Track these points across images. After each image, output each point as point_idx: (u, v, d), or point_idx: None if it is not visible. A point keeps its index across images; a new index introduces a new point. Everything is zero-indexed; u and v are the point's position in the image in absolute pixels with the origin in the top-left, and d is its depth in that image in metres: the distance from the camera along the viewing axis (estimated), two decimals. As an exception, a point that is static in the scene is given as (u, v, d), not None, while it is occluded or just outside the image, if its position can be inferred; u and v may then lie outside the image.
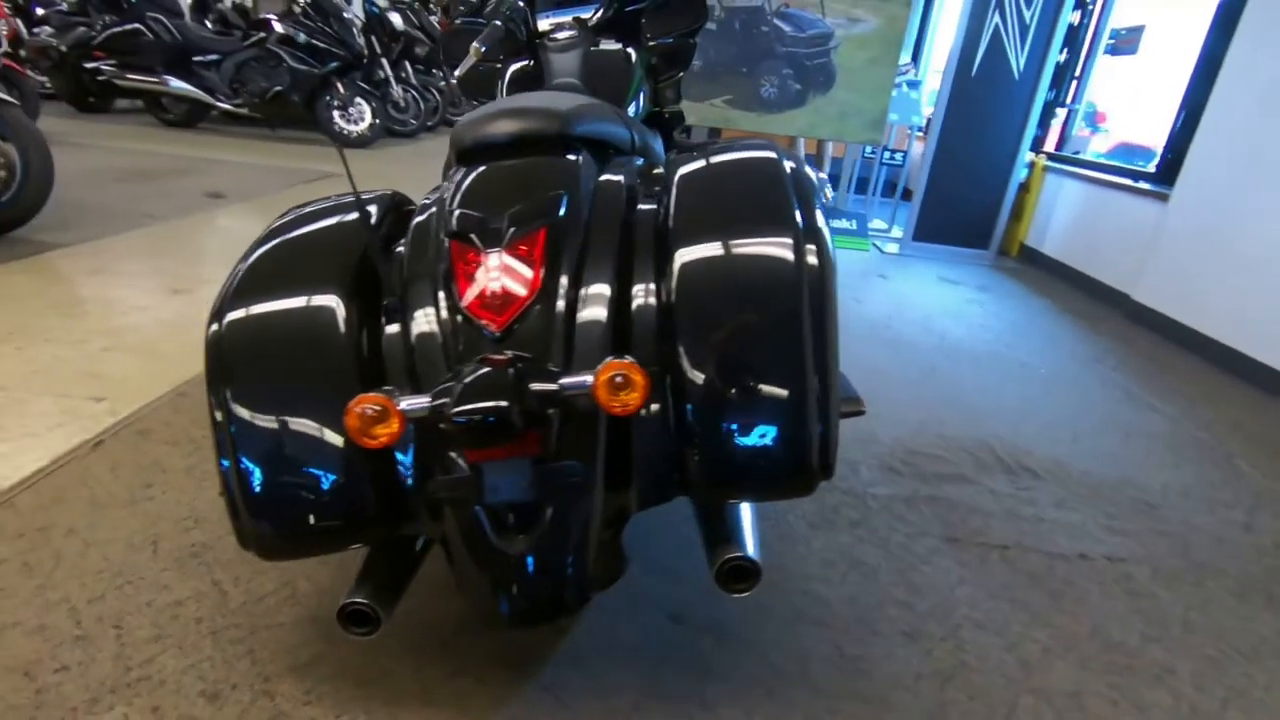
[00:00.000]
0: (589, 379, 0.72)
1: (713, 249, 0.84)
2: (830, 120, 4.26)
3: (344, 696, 1.00)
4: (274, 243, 0.94)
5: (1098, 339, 3.07)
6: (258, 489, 0.82)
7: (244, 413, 0.82)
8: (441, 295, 0.84)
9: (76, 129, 5.81)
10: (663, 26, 2.07)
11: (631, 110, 1.82)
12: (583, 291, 0.84)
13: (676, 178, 0.96)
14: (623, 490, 0.84)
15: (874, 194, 5.13)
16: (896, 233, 4.71)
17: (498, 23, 1.86)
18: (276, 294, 0.87)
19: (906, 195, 4.83)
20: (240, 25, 6.44)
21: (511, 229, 0.83)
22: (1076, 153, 4.44)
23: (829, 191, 1.29)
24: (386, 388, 0.74)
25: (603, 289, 0.85)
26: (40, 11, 7.15)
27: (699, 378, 0.81)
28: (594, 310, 0.83)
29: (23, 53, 6.35)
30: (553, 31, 1.95)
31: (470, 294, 0.81)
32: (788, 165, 0.96)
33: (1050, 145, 4.59)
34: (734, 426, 0.80)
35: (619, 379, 0.72)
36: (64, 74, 6.29)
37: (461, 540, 0.79)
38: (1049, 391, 2.41)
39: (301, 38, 5.82)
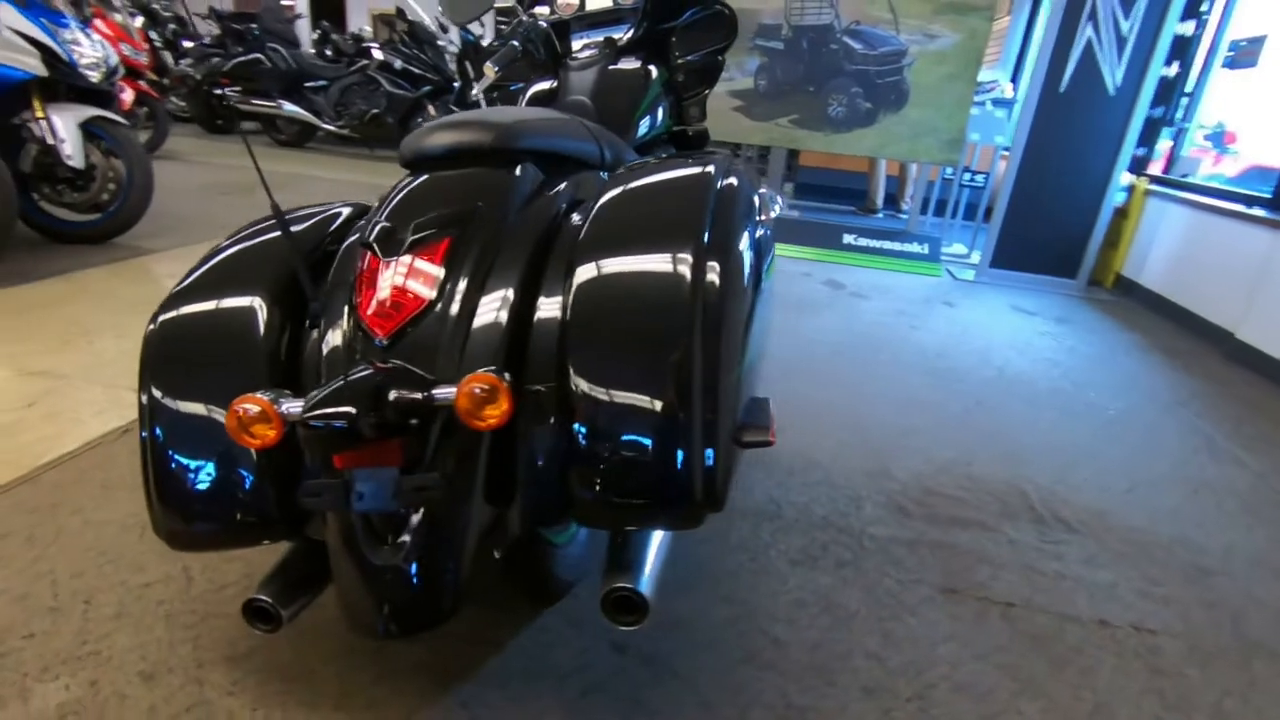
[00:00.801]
0: (454, 390, 0.71)
1: (610, 264, 0.81)
2: (902, 140, 4.09)
3: (266, 691, 1.03)
4: (225, 251, 0.99)
5: (1188, 379, 2.76)
6: (168, 480, 0.86)
7: (163, 407, 0.86)
8: (349, 303, 0.85)
9: (201, 148, 6.45)
10: (692, 44, 2.06)
11: (644, 126, 1.80)
12: (483, 302, 0.83)
13: (604, 192, 0.94)
14: (508, 508, 0.82)
15: (953, 217, 4.86)
16: (976, 258, 4.44)
17: (515, 43, 1.91)
18: (208, 298, 0.91)
19: (990, 218, 4.55)
20: (348, 53, 6.96)
21: (412, 238, 0.84)
22: (1185, 175, 4.03)
23: (775, 209, 1.22)
24: (276, 390, 0.75)
25: (503, 301, 0.83)
26: (188, 44, 8.02)
27: (582, 397, 0.77)
28: (491, 322, 0.82)
29: (166, 81, 7.14)
30: (580, 51, 1.98)
31: (369, 301, 0.82)
32: (721, 181, 0.92)
33: (1160, 167, 4.21)
34: (613, 449, 0.76)
35: (479, 391, 0.70)
36: (198, 99, 7.02)
37: (336, 547, 0.79)
38: (1113, 435, 2.18)
39: (398, 64, 6.22)
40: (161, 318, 0.91)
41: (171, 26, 7.83)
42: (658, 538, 0.91)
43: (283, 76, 6.45)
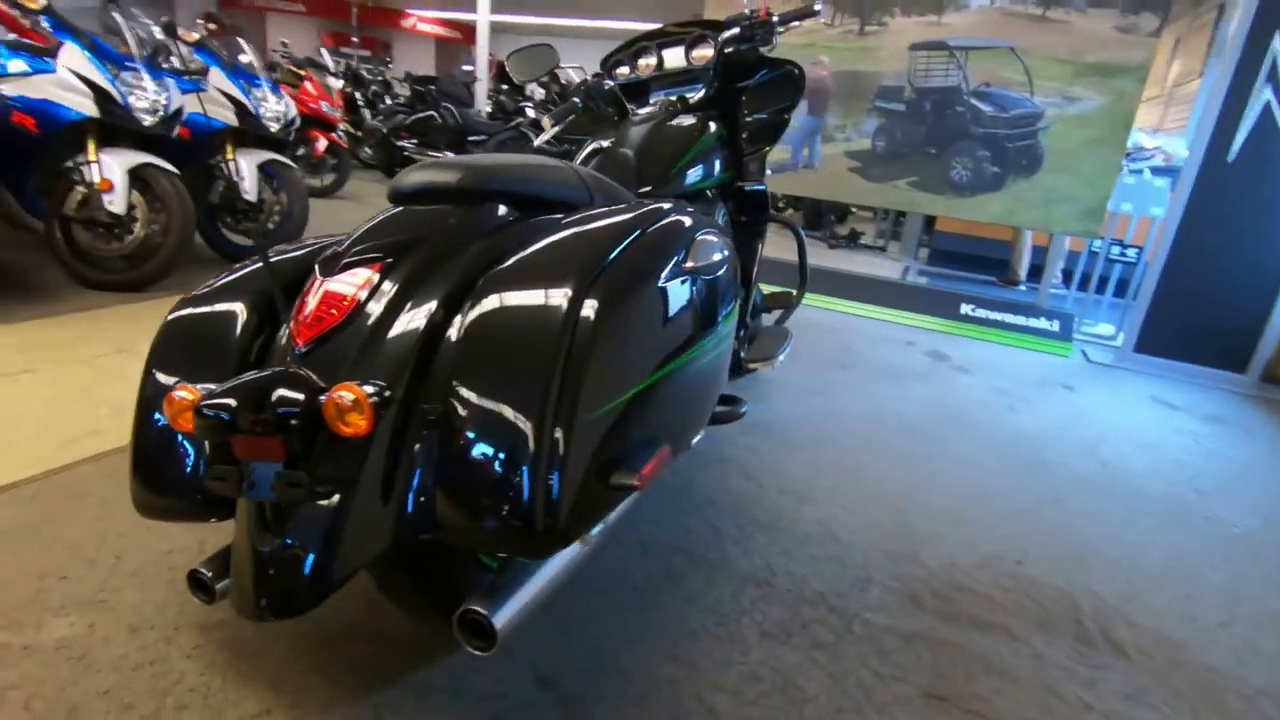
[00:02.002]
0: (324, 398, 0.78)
1: (499, 297, 0.86)
2: (1033, 207, 3.79)
3: (218, 660, 1.13)
4: (234, 272, 1.14)
5: (1365, 506, 2.25)
6: (143, 455, 1.00)
7: (149, 393, 1.01)
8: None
9: (377, 191, 7.36)
10: (760, 103, 2.11)
11: (691, 177, 1.84)
12: (399, 322, 0.90)
13: (547, 233, 0.99)
14: (384, 517, 0.86)
15: (1099, 292, 4.37)
16: (1122, 341, 3.95)
17: (575, 100, 2.05)
18: (207, 306, 1.06)
19: (1142, 298, 4.04)
20: (510, 111, 7.68)
21: (345, 260, 0.93)
22: (1401, 262, 3.36)
23: (716, 257, 1.15)
24: (208, 383, 0.87)
25: (417, 323, 0.90)
26: (388, 102, 9.27)
27: (455, 418, 0.81)
28: (400, 341, 0.89)
29: (360, 133, 8.28)
30: (650, 107, 2.09)
31: (300, 314, 0.93)
32: (644, 227, 0.94)
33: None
34: (469, 472, 0.79)
35: (344, 400, 0.76)
36: (383, 149, 8.04)
37: (237, 530, 0.88)
38: (1228, 557, 1.83)
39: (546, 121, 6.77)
40: (169, 318, 1.07)
41: (373, 88, 9.10)
42: (546, 574, 0.91)
43: (451, 132, 7.24)
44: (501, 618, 0.82)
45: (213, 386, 0.83)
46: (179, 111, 3.02)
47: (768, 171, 2.18)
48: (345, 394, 0.76)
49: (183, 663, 1.12)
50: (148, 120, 2.84)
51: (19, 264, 3.16)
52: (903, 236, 6.68)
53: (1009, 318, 3.93)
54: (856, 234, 7.03)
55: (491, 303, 0.86)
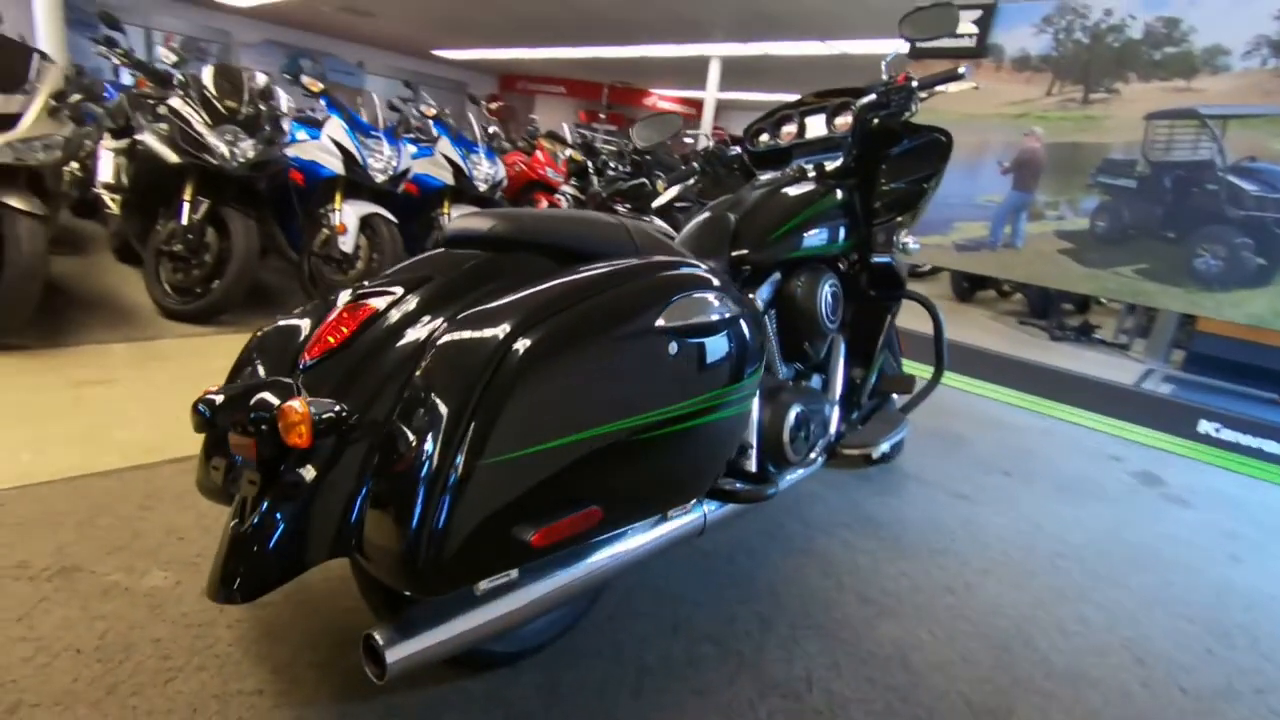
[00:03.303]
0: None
1: (454, 333, 0.89)
2: (1313, 310, 3.00)
3: (247, 636, 1.27)
4: (321, 300, 1.32)
5: None
6: (207, 444, 1.18)
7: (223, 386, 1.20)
8: None
9: (588, 248, 8.02)
10: (898, 172, 2.01)
11: (798, 242, 1.77)
12: (387, 352, 0.98)
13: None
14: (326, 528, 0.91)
15: None
16: None
17: (695, 164, 2.09)
18: (287, 323, 1.24)
19: None
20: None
21: (360, 290, 1.04)
22: None
23: (706, 318, 1.02)
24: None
25: (400, 354, 0.96)
26: (616, 169, 10.18)
27: (393, 442, 0.85)
28: (382, 369, 0.96)
29: (584, 197, 9.15)
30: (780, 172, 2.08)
31: (315, 333, 1.04)
32: (635, 281, 0.92)
33: None
34: (381, 494, 0.81)
35: (290, 411, 0.84)
36: (603, 212, 8.79)
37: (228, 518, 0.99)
38: None
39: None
40: (257, 332, 1.27)
41: (602, 158, 10.05)
42: (458, 626, 0.90)
43: (653, 198, 7.71)
44: (396, 652, 0.83)
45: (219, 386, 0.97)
46: (405, 172, 3.61)
47: (905, 242, 2.00)
48: (296, 405, 0.84)
49: (223, 631, 1.28)
50: (379, 178, 3.43)
51: (277, 285, 3.95)
52: (1151, 334, 5.64)
53: (1271, 445, 3.10)
54: (1090, 327, 6.08)
55: (444, 339, 0.90)
